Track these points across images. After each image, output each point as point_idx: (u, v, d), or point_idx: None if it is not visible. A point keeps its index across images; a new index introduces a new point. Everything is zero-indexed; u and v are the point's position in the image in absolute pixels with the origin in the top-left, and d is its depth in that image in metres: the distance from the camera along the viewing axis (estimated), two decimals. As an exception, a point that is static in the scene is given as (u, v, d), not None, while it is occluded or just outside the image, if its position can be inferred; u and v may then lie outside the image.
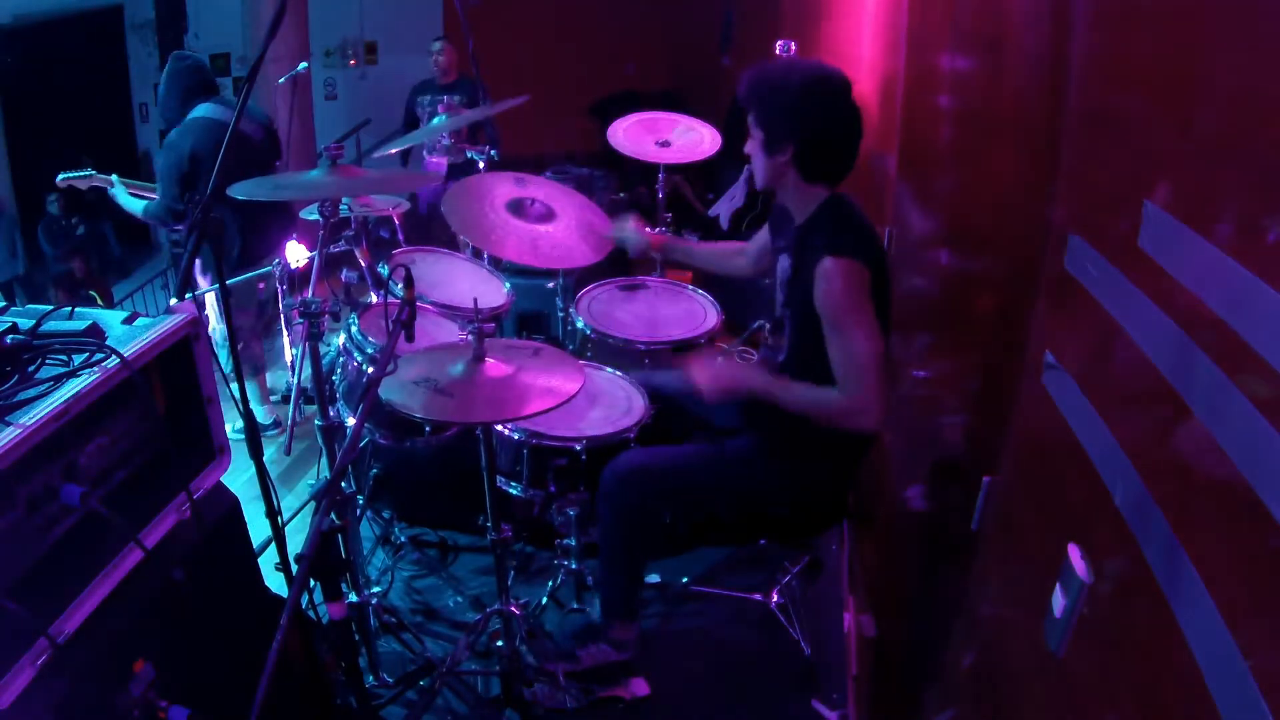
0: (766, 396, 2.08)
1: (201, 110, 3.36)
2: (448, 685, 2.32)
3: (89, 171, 3.49)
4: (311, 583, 1.65)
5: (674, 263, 2.95)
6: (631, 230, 2.66)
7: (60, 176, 3.50)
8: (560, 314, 3.09)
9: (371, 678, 2.33)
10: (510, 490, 2.40)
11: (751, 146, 2.10)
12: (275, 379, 4.20)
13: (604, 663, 2.34)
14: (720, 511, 2.36)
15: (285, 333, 3.11)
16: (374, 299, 2.62)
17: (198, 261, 3.52)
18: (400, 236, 3.28)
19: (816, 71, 2.03)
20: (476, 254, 3.04)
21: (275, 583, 1.86)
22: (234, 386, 1.57)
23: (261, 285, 3.05)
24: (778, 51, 3.35)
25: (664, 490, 2.22)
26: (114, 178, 3.49)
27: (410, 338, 1.69)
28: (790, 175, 2.05)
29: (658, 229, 3.14)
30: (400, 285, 1.68)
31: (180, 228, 3.47)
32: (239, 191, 1.84)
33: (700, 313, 2.94)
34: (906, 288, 2.52)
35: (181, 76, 3.40)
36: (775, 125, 2.03)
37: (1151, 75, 1.00)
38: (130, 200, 3.52)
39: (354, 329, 2.44)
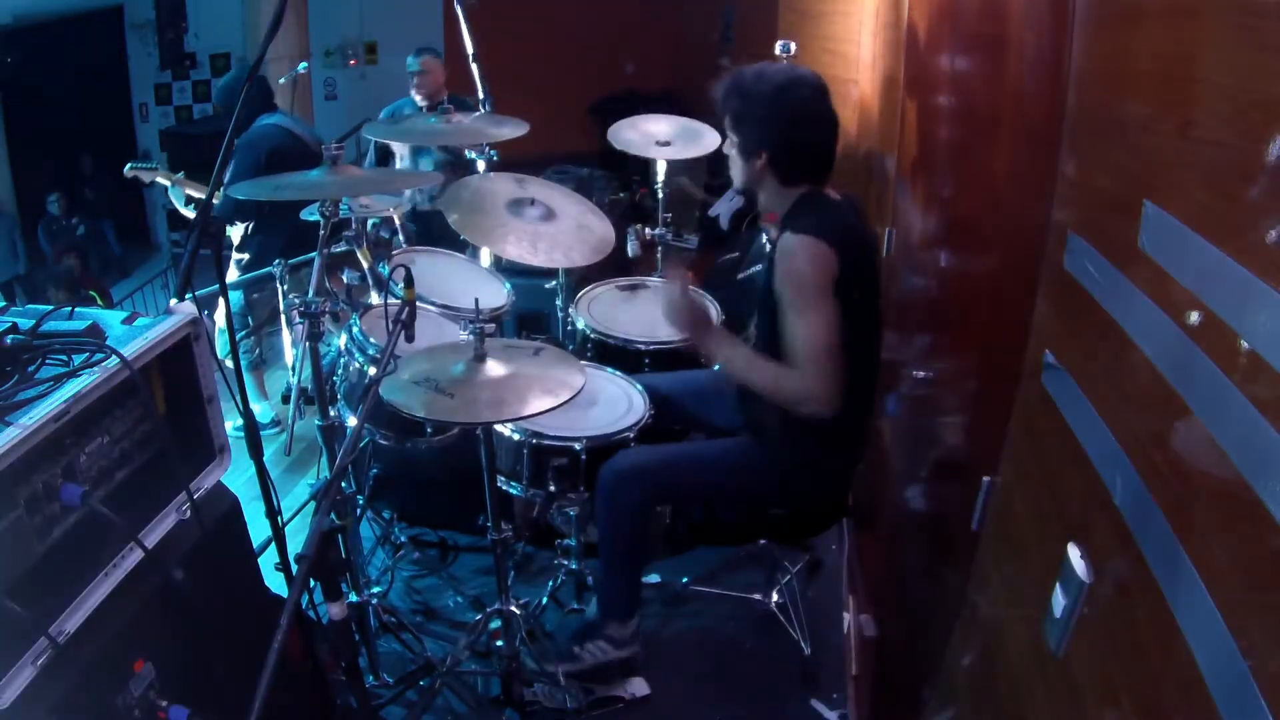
0: (725, 359, 2.11)
1: (271, 119, 3.70)
2: (448, 685, 2.32)
3: (154, 164, 3.79)
4: (311, 583, 1.64)
5: (683, 261, 2.98)
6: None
7: (128, 167, 3.77)
8: (560, 314, 3.09)
9: (371, 678, 2.33)
10: (510, 490, 2.40)
11: (729, 149, 2.13)
12: (275, 379, 4.20)
13: (604, 662, 2.34)
14: (720, 511, 2.36)
15: (286, 333, 3.11)
16: (375, 299, 2.62)
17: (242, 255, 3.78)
18: (400, 237, 3.28)
19: (786, 78, 2.04)
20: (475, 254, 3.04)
21: (275, 583, 1.86)
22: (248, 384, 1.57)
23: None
24: (777, 51, 3.34)
25: (663, 488, 2.22)
26: (181, 175, 3.75)
27: (410, 338, 1.70)
28: (768, 178, 2.08)
29: (657, 230, 3.14)
30: (400, 285, 1.68)
31: (243, 223, 3.71)
32: (239, 191, 1.84)
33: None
34: (906, 288, 2.53)
35: (250, 88, 3.69)
36: (748, 133, 2.06)
37: (1151, 75, 1.00)
38: (185, 201, 3.76)
39: (355, 329, 2.44)
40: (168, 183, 3.73)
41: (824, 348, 1.93)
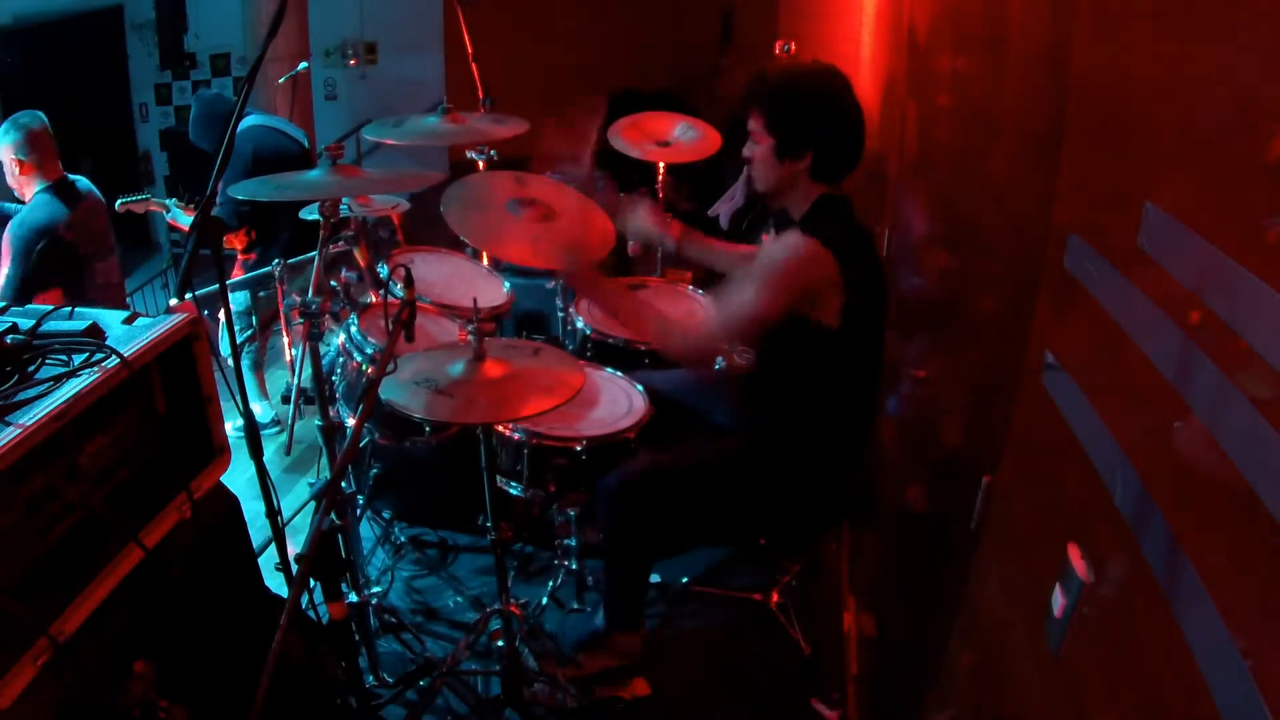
0: (607, 305, 2.17)
1: (246, 121, 3.64)
2: (448, 685, 2.32)
3: (146, 195, 3.69)
4: (311, 583, 1.65)
5: (684, 261, 2.93)
6: (643, 220, 2.60)
7: (118, 202, 3.67)
8: (560, 314, 3.09)
9: (371, 678, 2.33)
10: (510, 490, 2.40)
11: (756, 152, 2.06)
12: (275, 379, 4.20)
13: (607, 669, 2.34)
14: (720, 512, 2.36)
15: (285, 333, 3.11)
16: (373, 299, 2.62)
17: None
18: (399, 236, 3.28)
19: (822, 72, 2.03)
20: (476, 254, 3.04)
21: (275, 583, 1.86)
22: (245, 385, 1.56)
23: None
24: (777, 51, 3.35)
25: (666, 494, 2.21)
26: (170, 202, 3.70)
27: (410, 338, 1.70)
28: (800, 179, 2.04)
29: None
30: (400, 285, 1.68)
31: (245, 229, 3.69)
32: (239, 191, 1.84)
33: (700, 313, 2.94)
34: (906, 288, 2.53)
35: (213, 107, 3.71)
36: (791, 132, 2.00)
37: (1151, 75, 1.00)
38: (188, 219, 3.71)
39: (354, 329, 2.44)
40: (161, 210, 3.70)
41: (750, 322, 1.97)
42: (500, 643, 2.25)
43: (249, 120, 3.69)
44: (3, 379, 1.33)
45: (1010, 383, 1.36)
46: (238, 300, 3.78)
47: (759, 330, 1.99)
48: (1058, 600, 1.07)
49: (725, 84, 6.34)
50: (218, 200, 3.39)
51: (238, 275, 3.74)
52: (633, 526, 2.19)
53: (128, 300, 4.41)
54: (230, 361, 1.59)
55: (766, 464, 2.18)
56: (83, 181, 3.36)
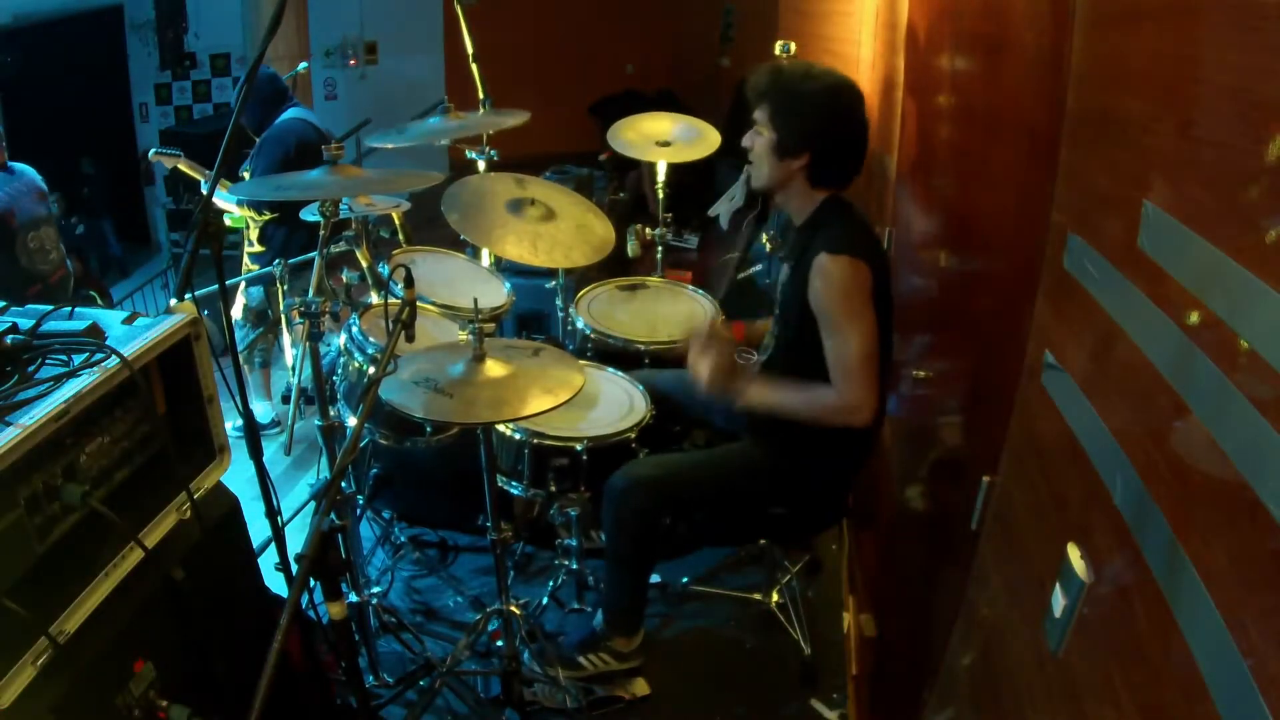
0: (760, 406, 2.08)
1: (293, 113, 3.71)
2: (448, 685, 2.32)
3: (179, 152, 3.69)
4: (311, 583, 1.64)
5: (682, 262, 2.93)
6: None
7: (151, 151, 3.76)
8: (560, 314, 3.09)
9: (371, 678, 2.33)
10: (511, 490, 2.40)
11: (755, 142, 2.06)
12: (276, 379, 4.20)
13: (606, 672, 2.34)
14: (721, 512, 2.36)
15: (286, 332, 3.11)
16: (374, 299, 2.61)
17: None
18: (400, 236, 3.28)
19: (836, 81, 2.02)
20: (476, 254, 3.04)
21: (275, 583, 1.86)
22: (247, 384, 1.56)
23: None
24: (777, 51, 3.34)
25: (670, 498, 2.20)
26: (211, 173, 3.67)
27: (410, 338, 1.70)
28: (797, 180, 2.04)
29: (657, 230, 3.14)
30: (400, 285, 1.68)
31: (272, 215, 3.67)
32: (240, 191, 1.84)
33: (700, 313, 2.94)
34: (906, 288, 2.53)
35: (259, 87, 3.71)
36: (792, 131, 2.00)
37: (1151, 75, 1.00)
38: (225, 195, 3.66)
39: (355, 329, 2.44)
40: (195, 176, 3.67)
41: (865, 359, 1.95)
42: (500, 643, 2.25)
43: (293, 112, 3.70)
44: (3, 379, 1.33)
45: (1010, 383, 1.36)
46: (253, 296, 3.77)
47: (876, 359, 1.97)
48: (1058, 600, 1.06)
49: (725, 84, 6.34)
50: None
51: (250, 270, 3.73)
52: (636, 528, 2.19)
53: (126, 301, 4.37)
54: (241, 356, 1.59)
55: (769, 464, 2.18)
56: (20, 168, 3.73)
